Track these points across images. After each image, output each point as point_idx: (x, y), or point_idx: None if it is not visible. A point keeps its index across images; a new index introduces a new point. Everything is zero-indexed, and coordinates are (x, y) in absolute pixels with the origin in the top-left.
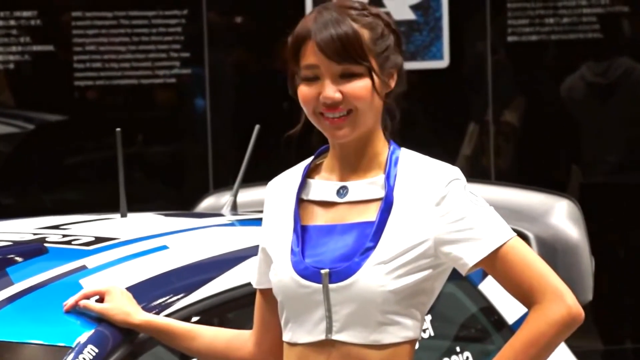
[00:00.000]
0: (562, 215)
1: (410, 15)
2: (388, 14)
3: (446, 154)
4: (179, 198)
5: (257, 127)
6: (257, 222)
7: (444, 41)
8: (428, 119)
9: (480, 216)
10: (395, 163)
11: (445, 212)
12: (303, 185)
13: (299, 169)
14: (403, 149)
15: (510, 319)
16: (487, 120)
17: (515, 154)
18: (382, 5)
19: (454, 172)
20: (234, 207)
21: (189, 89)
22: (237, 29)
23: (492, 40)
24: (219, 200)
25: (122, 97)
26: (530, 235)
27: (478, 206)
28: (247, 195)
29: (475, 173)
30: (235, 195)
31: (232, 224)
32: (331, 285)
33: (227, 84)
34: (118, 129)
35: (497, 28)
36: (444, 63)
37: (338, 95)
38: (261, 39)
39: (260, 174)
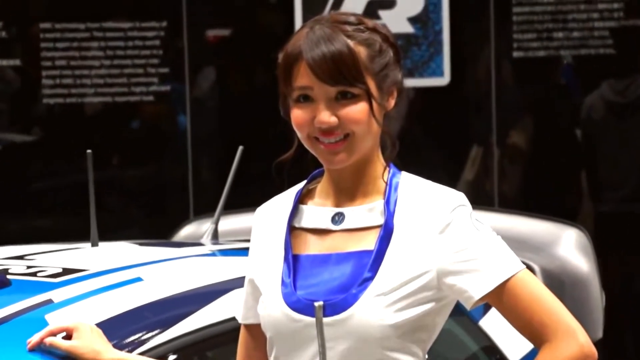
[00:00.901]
0: (570, 246)
1: (408, 28)
2: (386, 26)
3: (447, 178)
4: (156, 226)
5: (240, 148)
6: (241, 252)
7: (444, 56)
8: (427, 141)
9: (487, 246)
10: (396, 188)
11: (449, 241)
12: (295, 212)
13: (290, 194)
14: (404, 173)
15: (514, 359)
16: (491, 142)
17: (521, 179)
18: (377, 17)
19: (458, 198)
20: (215, 236)
21: (168, 107)
22: (221, 42)
23: (497, 55)
24: (199, 228)
25: (95, 116)
26: (536, 267)
27: (485, 235)
28: (229, 223)
29: (478, 199)
30: (216, 223)
31: (213, 254)
32: (326, 319)
33: (209, 102)
34: (89, 151)
35: (501, 42)
36: (444, 80)
37: (334, 120)
38: (247, 54)
39: (245, 200)
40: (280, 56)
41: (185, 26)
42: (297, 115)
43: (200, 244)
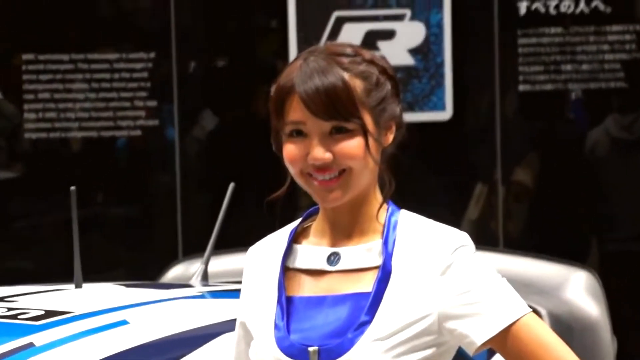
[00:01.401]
0: (579, 289)
1: (409, 60)
2: (384, 58)
3: (449, 217)
4: (143, 267)
5: (231, 185)
6: (232, 293)
7: (446, 89)
8: (428, 178)
9: (490, 288)
10: (394, 227)
11: (451, 283)
12: (289, 251)
13: (284, 233)
14: (403, 211)
15: None
16: (496, 180)
17: (527, 218)
18: (375, 48)
19: (461, 238)
20: (205, 277)
21: (156, 142)
22: (212, 74)
23: (501, 89)
24: (188, 269)
25: (79, 151)
26: (543, 311)
27: (488, 277)
28: (220, 264)
29: (482, 239)
30: (206, 264)
31: (202, 296)
32: None
33: (199, 137)
34: (73, 188)
35: (506, 75)
36: (446, 114)
37: (328, 156)
38: (240, 86)
39: (236, 240)
40: (273, 89)
41: (175, 57)
42: (290, 150)
43: (190, 286)
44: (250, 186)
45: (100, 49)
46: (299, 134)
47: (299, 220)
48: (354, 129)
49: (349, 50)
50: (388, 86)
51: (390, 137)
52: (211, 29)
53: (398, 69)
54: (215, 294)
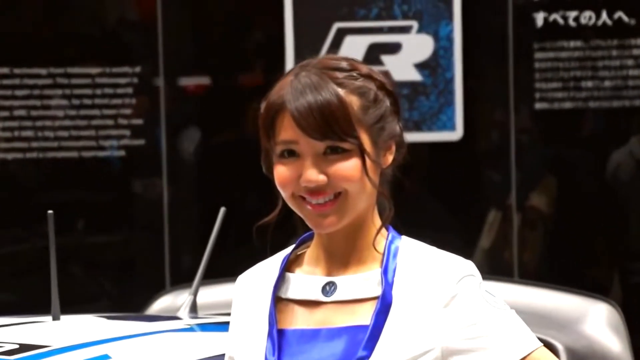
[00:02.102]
0: (599, 323)
1: (415, 76)
2: (387, 73)
3: (460, 246)
4: (128, 298)
5: (222, 210)
6: (223, 326)
7: (456, 107)
8: (436, 204)
9: (498, 321)
10: (395, 254)
11: (455, 316)
12: (281, 281)
13: (275, 261)
14: (404, 238)
15: None
16: (509, 206)
17: (544, 247)
18: (380, 62)
19: (466, 267)
20: (194, 309)
21: (141, 164)
22: (203, 91)
23: (516, 107)
24: (175, 300)
25: (58, 173)
26: (560, 347)
27: (496, 309)
28: (210, 294)
29: (496, 269)
30: (195, 294)
31: (190, 329)
32: None
33: (189, 158)
34: (50, 212)
35: (522, 92)
36: (456, 134)
37: (322, 178)
38: (232, 104)
39: (228, 269)
40: (262, 106)
41: (162, 72)
42: (281, 172)
43: (177, 318)
44: (242, 211)
45: (81, 62)
46: (290, 154)
47: (292, 247)
48: (350, 149)
49: (344, 64)
50: (387, 103)
51: (390, 158)
52: (202, 42)
53: (404, 85)
54: (205, 327)
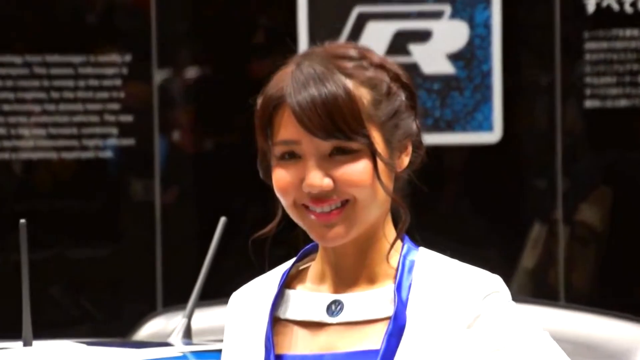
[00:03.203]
0: None
1: (448, 68)
2: (412, 67)
3: (498, 266)
4: (113, 321)
5: (222, 220)
6: (220, 354)
7: (494, 105)
8: (471, 216)
9: (530, 346)
10: (410, 269)
11: (479, 339)
12: (279, 299)
13: (274, 276)
14: (422, 250)
15: None
16: (555, 219)
17: (595, 267)
18: (407, 52)
19: (493, 283)
20: (188, 334)
21: (131, 167)
22: (201, 83)
23: (564, 105)
24: (167, 323)
25: (33, 177)
26: None
27: (527, 331)
28: (207, 318)
29: (539, 291)
30: (189, 317)
31: (184, 358)
32: None
33: (185, 160)
34: (22, 221)
35: (570, 88)
36: (494, 136)
37: (327, 183)
38: (234, 99)
39: (227, 288)
40: (259, 102)
41: (155, 61)
42: (280, 177)
43: (168, 345)
44: (246, 221)
45: (62, 49)
46: (291, 156)
47: (293, 260)
48: (360, 150)
49: (353, 53)
50: (402, 96)
51: (406, 160)
52: (200, 27)
53: (434, 79)
54: (201, 355)
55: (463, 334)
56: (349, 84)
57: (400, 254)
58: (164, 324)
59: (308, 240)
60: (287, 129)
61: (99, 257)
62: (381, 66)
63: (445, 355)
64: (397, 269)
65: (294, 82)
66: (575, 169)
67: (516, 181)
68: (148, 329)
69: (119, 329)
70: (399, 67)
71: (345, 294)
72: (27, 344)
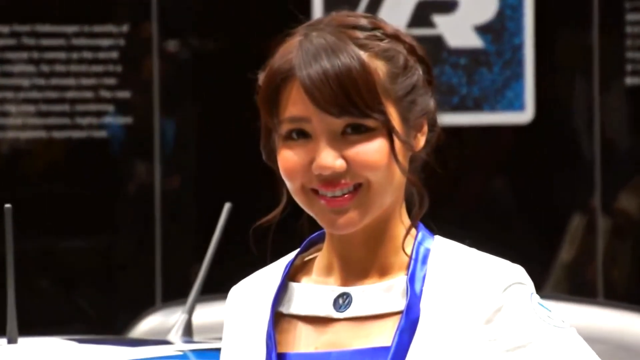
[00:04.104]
0: None
1: (475, 42)
2: (436, 40)
3: (532, 259)
4: (109, 316)
5: (227, 205)
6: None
7: (526, 82)
8: (499, 206)
9: (554, 343)
10: (425, 259)
11: (500, 334)
12: (282, 292)
13: (276, 269)
14: (437, 238)
15: None
16: (593, 208)
17: (635, 260)
18: (431, 24)
19: (514, 273)
20: (188, 331)
21: (129, 148)
22: (205, 57)
23: (602, 82)
24: (167, 319)
25: (22, 158)
26: None
27: (552, 327)
28: (209, 314)
29: (575, 287)
30: (190, 313)
31: (184, 357)
32: None
33: (186, 142)
34: (8, 206)
35: (609, 64)
36: (526, 115)
37: (340, 164)
38: (240, 74)
39: (232, 281)
40: (262, 76)
41: (155, 32)
42: (287, 158)
43: (167, 342)
44: (253, 207)
45: (53, 18)
46: (300, 135)
47: (298, 250)
48: (375, 128)
49: (364, 22)
50: (419, 71)
51: (422, 140)
52: None
53: (461, 53)
54: (201, 354)
55: (481, 329)
56: (363, 55)
57: (414, 243)
58: (163, 320)
59: (314, 229)
60: (296, 105)
61: (92, 248)
62: (396, 37)
63: (462, 352)
64: (410, 259)
65: (303, 54)
66: (614, 152)
67: (550, 166)
68: (146, 326)
69: (114, 326)
70: (414, 38)
71: (354, 287)
72: (11, 341)
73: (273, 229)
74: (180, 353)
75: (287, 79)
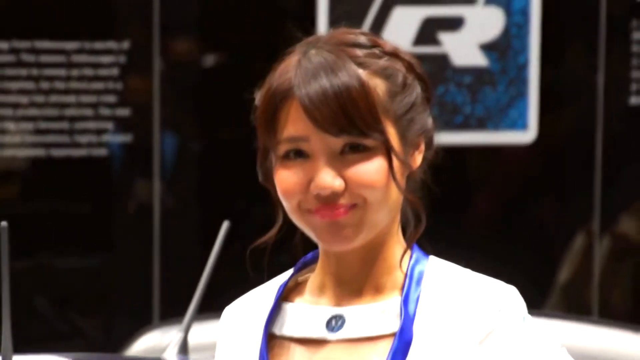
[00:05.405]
0: None
1: (480, 60)
2: (441, 58)
3: (530, 279)
4: (105, 335)
5: (225, 224)
6: None
7: (530, 101)
8: (502, 225)
9: None
10: (419, 280)
11: (492, 356)
12: (275, 313)
13: (270, 289)
14: (432, 259)
15: None
16: (591, 230)
17: (633, 282)
18: (436, 42)
19: (507, 295)
20: (184, 349)
21: (128, 166)
22: (207, 73)
23: (606, 101)
24: (163, 337)
25: (19, 176)
26: None
27: (545, 349)
28: (205, 332)
29: (573, 307)
30: (186, 331)
31: None
32: None
33: (187, 159)
34: (4, 223)
35: (614, 83)
36: (529, 135)
37: (339, 184)
38: (246, 89)
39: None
40: (260, 95)
41: (157, 48)
42: (285, 178)
43: None
44: (252, 226)
45: (53, 35)
46: (297, 155)
47: (291, 270)
48: (373, 147)
49: (363, 40)
50: (418, 88)
51: (419, 158)
52: (208, 10)
53: (466, 71)
54: None
55: (474, 351)
56: (362, 74)
57: (409, 264)
58: (159, 339)
59: (308, 248)
60: (295, 125)
61: (91, 266)
62: (395, 55)
63: None
64: (404, 280)
65: (302, 73)
66: (617, 173)
67: (551, 186)
68: (142, 344)
69: (111, 345)
70: (412, 56)
71: (347, 307)
72: (6, 357)
73: (269, 250)
74: None
75: (286, 98)
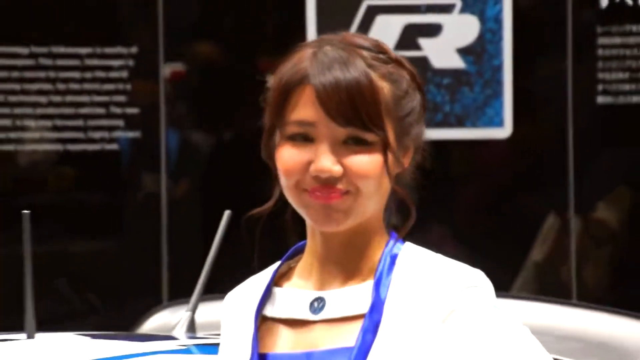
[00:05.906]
0: None
1: (458, 63)
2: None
3: (504, 259)
4: (118, 314)
5: (227, 213)
6: None
7: (504, 100)
8: (480, 210)
9: (508, 343)
10: (392, 264)
11: (453, 334)
12: (267, 297)
13: (265, 275)
14: (407, 245)
15: None
16: (567, 217)
17: (609, 266)
18: (417, 47)
19: (472, 277)
20: (192, 327)
21: (137, 160)
22: (210, 75)
23: (575, 101)
24: (172, 317)
25: (39, 169)
26: None
27: (506, 328)
28: (211, 311)
29: (548, 288)
30: (193, 311)
31: (187, 351)
32: None
33: (192, 154)
34: (26, 212)
35: (582, 83)
36: (504, 131)
37: (338, 169)
38: (243, 91)
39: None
40: (274, 80)
41: (162, 52)
42: (288, 156)
43: (172, 338)
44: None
45: (68, 40)
46: (303, 138)
47: (283, 257)
48: (373, 142)
49: (368, 44)
50: (418, 97)
51: (407, 161)
52: (209, 20)
53: (444, 73)
54: (203, 349)
55: (438, 329)
56: (372, 74)
57: (384, 250)
58: (168, 318)
59: (297, 226)
60: (305, 110)
61: (105, 252)
62: (399, 63)
63: (420, 351)
64: (378, 264)
65: (318, 64)
66: (587, 165)
67: (527, 178)
68: (152, 323)
69: (124, 323)
70: (414, 66)
71: (328, 291)
72: (29, 336)
73: (262, 222)
74: (184, 347)
75: (300, 84)
